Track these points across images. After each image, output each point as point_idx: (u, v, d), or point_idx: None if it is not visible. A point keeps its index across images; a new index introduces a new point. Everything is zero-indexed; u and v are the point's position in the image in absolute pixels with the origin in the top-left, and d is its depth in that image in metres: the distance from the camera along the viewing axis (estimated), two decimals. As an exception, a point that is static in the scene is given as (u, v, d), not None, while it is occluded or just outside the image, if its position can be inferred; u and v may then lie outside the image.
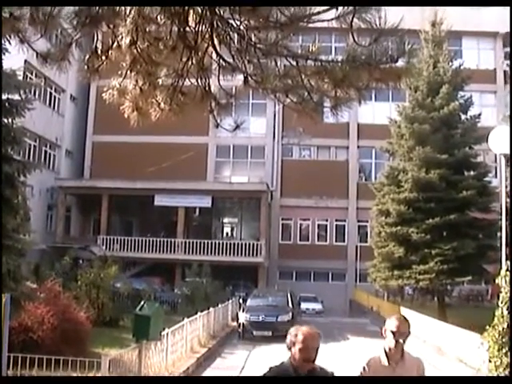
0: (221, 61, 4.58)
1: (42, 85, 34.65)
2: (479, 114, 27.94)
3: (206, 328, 19.01)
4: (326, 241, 41.06)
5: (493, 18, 37.54)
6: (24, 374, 9.86)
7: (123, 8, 4.01)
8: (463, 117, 27.65)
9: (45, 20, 4.08)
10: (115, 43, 4.38)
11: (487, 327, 10.14)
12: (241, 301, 26.75)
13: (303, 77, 4.38)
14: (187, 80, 4.76)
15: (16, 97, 13.52)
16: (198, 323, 17.63)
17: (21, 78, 15.47)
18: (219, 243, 37.23)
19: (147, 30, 4.25)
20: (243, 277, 37.37)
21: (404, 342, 4.34)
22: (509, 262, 10.37)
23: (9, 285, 11.41)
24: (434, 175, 25.04)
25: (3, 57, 11.91)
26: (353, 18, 3.83)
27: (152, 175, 36.33)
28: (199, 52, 4.53)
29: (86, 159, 42.33)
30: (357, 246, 38.85)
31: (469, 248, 23.98)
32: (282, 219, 41.01)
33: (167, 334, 13.04)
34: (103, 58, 4.54)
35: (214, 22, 4.25)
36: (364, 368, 4.42)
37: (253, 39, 4.35)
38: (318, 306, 35.61)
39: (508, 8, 19.55)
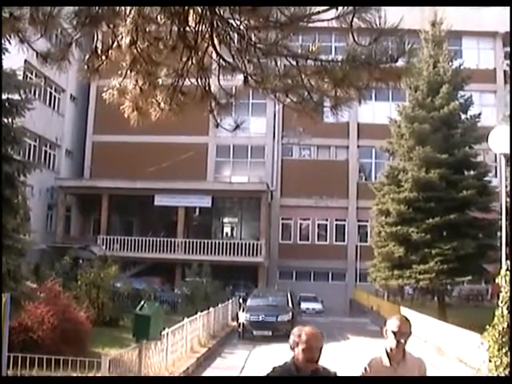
0: (221, 61, 4.58)
1: (42, 85, 34.65)
2: (479, 114, 27.94)
3: (206, 328, 19.01)
4: (326, 240, 41.07)
5: (493, 18, 37.55)
6: (24, 374, 9.86)
7: (123, 8, 4.01)
8: (463, 116, 27.66)
9: (45, 20, 4.08)
10: (115, 43, 4.38)
11: (487, 327, 10.14)
12: (241, 300, 26.75)
13: (303, 76, 4.38)
14: (187, 80, 4.76)
15: (16, 97, 13.52)
16: (198, 323, 17.63)
17: (21, 77, 15.46)
18: (219, 243, 37.24)
19: (147, 29, 4.25)
20: (243, 277, 37.38)
21: (405, 342, 4.32)
22: (509, 262, 10.37)
23: (9, 284, 11.41)
24: (434, 175, 25.04)
25: (3, 57, 11.90)
26: (353, 18, 3.83)
27: (152, 175, 36.34)
28: (199, 52, 4.53)
29: (86, 159, 42.33)
30: (357, 246, 38.86)
31: (469, 248, 23.98)
32: (282, 219, 41.02)
33: (167, 333, 13.04)
34: (103, 57, 4.54)
35: (214, 22, 4.25)
36: (365, 369, 4.39)
37: (253, 39, 4.35)
38: (318, 306, 35.63)
39: (508, 8, 19.55)
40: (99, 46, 4.58)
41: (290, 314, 22.99)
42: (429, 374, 4.64)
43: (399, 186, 26.68)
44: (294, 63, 4.36)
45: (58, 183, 38.14)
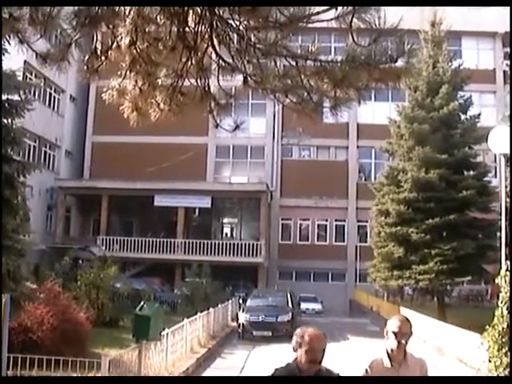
0: (220, 61, 4.59)
1: (42, 85, 34.63)
2: (479, 114, 27.95)
3: (206, 328, 19.00)
4: (325, 241, 41.07)
5: (492, 18, 37.55)
6: (24, 375, 9.86)
7: (123, 8, 4.01)
8: (463, 117, 27.67)
9: (44, 20, 4.09)
10: (115, 43, 4.38)
11: (487, 327, 10.14)
12: (240, 301, 26.73)
13: (303, 77, 4.38)
14: (187, 80, 4.76)
15: (16, 97, 13.54)
16: (198, 323, 17.63)
17: (20, 78, 15.49)
18: (219, 243, 37.24)
19: (147, 30, 4.25)
20: (243, 277, 37.37)
21: (406, 342, 4.29)
22: (508, 262, 10.37)
23: (9, 285, 11.42)
24: (434, 175, 25.05)
25: (3, 57, 11.91)
26: (352, 18, 3.83)
27: (152, 175, 36.33)
28: (199, 52, 4.53)
29: (86, 159, 42.32)
30: (356, 246, 38.86)
31: (468, 248, 23.98)
32: (282, 219, 41.02)
33: (167, 334, 13.03)
34: (103, 58, 4.54)
35: (214, 23, 4.25)
36: (366, 370, 4.35)
37: (252, 39, 4.35)
38: (317, 306, 35.62)
39: (508, 8, 19.55)
40: (99, 46, 4.58)
41: (290, 314, 22.98)
42: (429, 374, 4.63)
43: (399, 187, 26.68)
44: (294, 63, 4.36)
45: (58, 184, 38.12)
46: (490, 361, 9.96)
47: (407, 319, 4.40)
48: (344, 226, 41.04)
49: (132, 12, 3.99)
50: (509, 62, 30.09)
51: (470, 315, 21.91)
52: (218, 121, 5.12)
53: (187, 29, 4.33)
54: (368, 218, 32.84)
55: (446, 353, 17.10)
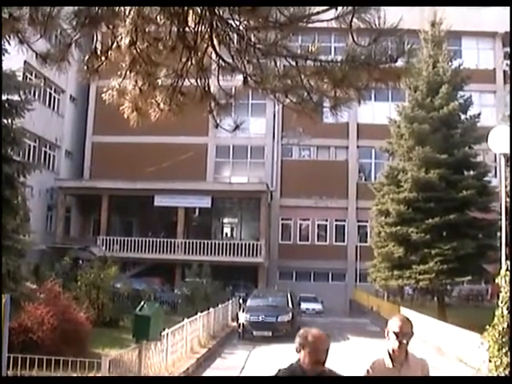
0: (220, 61, 4.59)
1: (42, 85, 34.64)
2: (479, 114, 27.95)
3: (206, 328, 19.01)
4: (325, 241, 41.06)
5: (492, 18, 37.55)
6: (24, 375, 9.86)
7: (123, 8, 4.01)
8: (463, 117, 27.67)
9: (44, 20, 4.08)
10: (115, 44, 4.38)
11: (487, 327, 10.14)
12: (241, 301, 26.72)
13: (303, 77, 4.38)
14: (187, 80, 4.76)
15: (16, 97, 13.52)
16: (198, 323, 17.63)
17: (20, 78, 15.48)
18: (219, 243, 37.24)
19: (147, 30, 4.25)
20: (243, 277, 37.36)
21: (407, 342, 4.26)
22: (508, 262, 10.37)
23: (9, 285, 11.41)
24: (434, 175, 25.05)
25: (3, 57, 11.90)
26: (352, 18, 3.83)
27: (152, 175, 36.33)
28: (199, 52, 4.53)
29: (86, 160, 42.32)
30: (357, 246, 38.85)
31: (468, 248, 23.98)
32: (282, 219, 41.02)
33: (167, 334, 13.04)
34: (103, 58, 4.54)
35: (214, 23, 4.25)
36: (368, 371, 4.33)
37: (252, 39, 4.35)
38: (317, 306, 35.61)
39: (508, 8, 19.55)
40: (99, 46, 4.58)
41: (290, 314, 22.97)
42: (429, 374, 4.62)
43: (399, 187, 26.68)
44: (294, 63, 4.36)
45: (58, 184, 38.13)
46: (490, 361, 9.96)
47: (408, 319, 4.38)
48: (344, 225, 41.04)
49: (132, 12, 3.99)
50: (509, 62, 30.12)
51: (470, 315, 21.91)
52: (218, 121, 5.12)
53: (187, 29, 4.33)
54: (368, 217, 32.85)
55: (446, 353, 17.10)
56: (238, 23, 4.27)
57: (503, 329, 9.69)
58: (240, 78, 4.64)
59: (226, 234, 43.79)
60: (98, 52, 4.56)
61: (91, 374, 9.74)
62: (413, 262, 24.90)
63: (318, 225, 41.23)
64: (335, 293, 38.24)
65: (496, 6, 30.68)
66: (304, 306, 32.47)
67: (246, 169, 41.67)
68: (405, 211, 25.51)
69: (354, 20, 3.82)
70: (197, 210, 41.50)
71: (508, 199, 17.93)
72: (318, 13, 4.03)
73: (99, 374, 9.21)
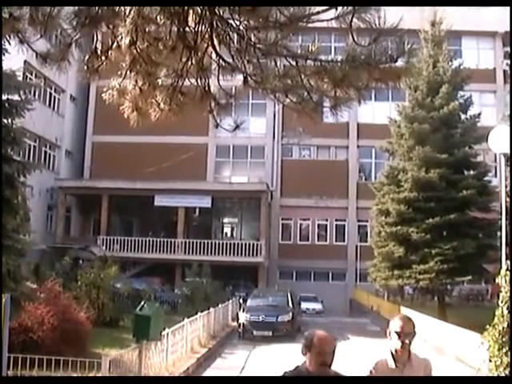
0: (220, 61, 4.58)
1: (42, 85, 34.65)
2: (479, 114, 27.96)
3: (206, 328, 19.01)
4: (326, 241, 41.07)
5: (492, 18, 37.54)
6: (24, 375, 9.86)
7: (123, 8, 4.01)
8: (463, 116, 27.67)
9: (44, 20, 4.08)
10: (115, 43, 4.38)
11: (487, 327, 10.13)
12: (241, 301, 26.73)
13: (303, 77, 4.38)
14: (187, 80, 4.76)
15: (16, 97, 13.52)
16: (198, 323, 17.63)
17: (20, 78, 15.48)
18: (219, 243, 37.24)
19: (147, 30, 4.24)
20: (243, 277, 37.37)
21: (410, 342, 4.23)
22: (509, 262, 10.37)
23: (9, 285, 11.41)
24: (434, 175, 25.05)
25: (3, 57, 11.90)
26: (352, 18, 3.82)
27: (152, 175, 36.33)
28: (199, 52, 4.53)
29: (86, 159, 42.33)
30: (357, 246, 38.85)
31: (469, 247, 23.99)
32: (282, 219, 41.02)
33: (167, 334, 13.04)
34: (103, 58, 4.54)
35: (214, 22, 4.25)
36: (371, 372, 4.31)
37: (252, 39, 4.35)
38: (318, 306, 35.61)
39: (508, 8, 19.54)
40: (99, 46, 4.58)
41: (290, 314, 22.98)
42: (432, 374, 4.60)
43: (399, 186, 26.68)
44: (294, 63, 4.35)
45: (58, 184, 38.14)
46: (490, 360, 9.95)
47: (410, 319, 4.35)
48: (344, 225, 41.05)
49: (132, 12, 3.99)
50: (509, 62, 30.13)
51: (470, 315, 21.91)
52: (218, 121, 5.12)
53: (187, 29, 4.32)
54: (368, 217, 32.86)
55: (446, 352, 17.10)
56: (238, 23, 4.27)
57: (503, 328, 9.69)
58: (240, 77, 4.64)
59: (226, 234, 43.79)
60: (98, 52, 4.55)
61: (91, 374, 9.74)
62: (413, 262, 24.90)
63: (319, 224, 41.23)
64: (335, 292, 38.25)
65: (496, 5, 30.67)
66: (304, 305, 32.47)
67: (246, 168, 41.68)
68: (405, 211, 25.52)
69: (354, 20, 3.82)
70: (197, 210, 41.50)
71: (508, 199, 17.92)
72: (318, 13, 4.03)
73: (99, 374, 9.22)
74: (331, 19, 3.93)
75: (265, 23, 4.14)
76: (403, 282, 26.62)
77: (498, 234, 20.81)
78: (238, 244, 37.16)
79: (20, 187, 13.22)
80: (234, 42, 4.40)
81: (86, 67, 4.63)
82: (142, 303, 11.78)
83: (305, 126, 35.45)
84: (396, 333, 4.20)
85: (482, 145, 23.54)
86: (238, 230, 43.32)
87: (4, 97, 12.83)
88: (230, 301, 26.77)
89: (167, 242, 36.83)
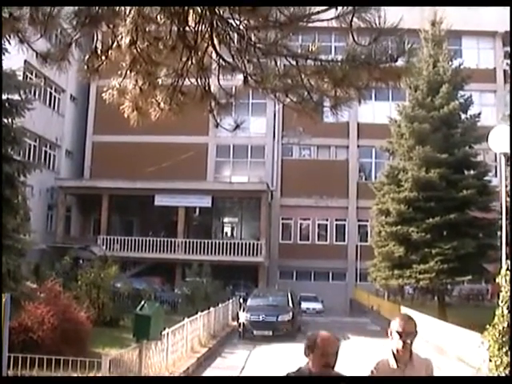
0: (220, 60, 4.58)
1: (42, 85, 34.64)
2: (479, 114, 27.94)
3: (207, 328, 19.01)
4: (326, 240, 41.07)
5: (492, 18, 37.53)
6: (24, 374, 9.86)
7: (123, 8, 4.01)
8: (463, 116, 27.66)
9: (44, 20, 4.08)
10: (115, 43, 4.38)
11: (487, 326, 10.13)
12: (241, 300, 26.75)
13: (303, 76, 4.38)
14: (187, 80, 4.76)
15: (16, 97, 13.51)
16: (199, 323, 17.63)
17: (21, 78, 15.47)
18: (219, 243, 37.25)
19: (147, 29, 4.24)
20: (243, 276, 37.38)
21: (411, 342, 4.21)
22: (509, 261, 10.36)
23: (9, 285, 11.41)
24: (434, 174, 25.04)
25: (3, 57, 11.90)
26: (352, 18, 3.82)
27: (152, 175, 36.34)
28: (199, 52, 4.53)
29: (86, 159, 42.34)
30: (357, 246, 38.86)
31: (469, 247, 23.98)
32: (282, 219, 41.02)
33: (167, 333, 13.04)
34: (103, 57, 4.54)
35: (214, 22, 4.25)
36: (372, 371, 4.30)
37: (252, 39, 4.34)
38: (318, 306, 35.61)
39: (508, 8, 19.53)
40: (99, 46, 4.58)
41: (291, 313, 22.98)
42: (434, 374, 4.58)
43: (399, 186, 26.68)
44: (294, 63, 4.35)
45: (58, 183, 38.15)
46: (490, 360, 9.95)
47: (411, 318, 4.32)
48: (344, 225, 41.05)
49: (132, 11, 3.99)
50: (509, 62, 30.11)
51: (470, 314, 21.91)
52: (219, 120, 5.11)
53: (187, 28, 4.32)
54: (368, 217, 32.85)
55: (447, 352, 17.09)
56: (238, 23, 4.27)
57: (503, 328, 9.68)
58: (240, 77, 4.64)
59: (227, 234, 43.79)
60: (99, 51, 4.55)
61: (91, 374, 9.74)
62: (413, 262, 24.90)
63: (319, 224, 41.23)
64: (335, 292, 38.25)
65: (496, 5, 30.65)
66: (304, 305, 32.47)
67: (246, 168, 41.68)
68: (405, 210, 25.51)
69: (355, 19, 3.82)
70: (197, 210, 41.50)
71: (508, 199, 17.92)
72: (318, 12, 4.03)
73: (99, 374, 9.21)
74: (331, 19, 3.93)
75: (265, 23, 4.14)
76: (403, 282, 26.62)
77: (498, 233, 20.80)
78: (238, 244, 37.17)
79: (20, 187, 13.22)
80: (234, 42, 4.39)
81: (86, 67, 4.63)
82: (142, 303, 11.78)
83: (305, 126, 35.44)
84: (397, 333, 4.18)
85: (482, 144, 23.52)
86: (238, 230, 43.33)
87: (4, 96, 12.82)
88: (230, 300, 26.76)
89: (167, 241, 36.83)
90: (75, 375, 9.77)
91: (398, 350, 4.21)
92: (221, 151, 41.52)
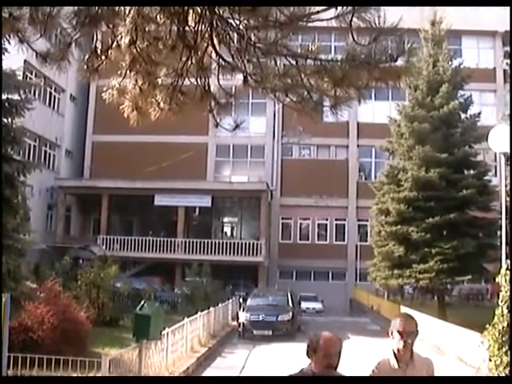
0: (220, 60, 4.58)
1: (42, 85, 34.63)
2: (479, 113, 27.96)
3: (206, 327, 19.01)
4: (326, 240, 41.08)
5: (492, 18, 37.54)
6: (24, 374, 9.86)
7: (123, 8, 4.01)
8: (463, 116, 27.67)
9: (44, 20, 4.08)
10: (115, 43, 4.38)
11: (487, 326, 10.14)
12: (241, 300, 26.75)
13: (303, 76, 4.37)
14: (187, 79, 4.75)
15: (16, 97, 13.51)
16: (198, 323, 17.64)
17: (20, 77, 15.46)
18: (219, 243, 37.25)
19: (147, 29, 4.24)
20: (243, 276, 37.39)
21: (413, 342, 4.19)
22: (509, 261, 10.38)
23: (9, 284, 11.40)
24: (434, 174, 25.05)
25: (3, 57, 11.90)
26: (352, 18, 3.82)
27: (152, 175, 36.33)
28: (199, 51, 4.53)
29: (86, 159, 42.34)
30: (357, 245, 38.87)
31: (469, 247, 23.99)
32: (282, 218, 41.03)
33: (167, 333, 13.04)
34: (103, 57, 4.53)
35: (214, 22, 4.24)
36: (373, 371, 4.27)
37: (252, 39, 4.34)
38: (318, 306, 35.61)
39: (508, 8, 19.54)
40: (99, 45, 4.57)
41: (290, 313, 22.99)
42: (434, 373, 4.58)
43: (399, 186, 26.68)
44: (294, 63, 4.35)
45: (58, 183, 38.15)
46: (490, 360, 9.96)
47: (412, 318, 4.31)
48: (344, 225, 41.06)
49: (132, 11, 3.99)
50: (509, 61, 30.10)
51: (470, 314, 21.92)
52: (218, 120, 5.11)
53: (187, 28, 4.32)
54: (368, 217, 32.86)
55: (446, 352, 17.10)
56: (238, 22, 4.26)
57: (503, 328, 9.69)
58: (240, 77, 4.64)
59: (226, 234, 43.80)
60: (98, 51, 4.55)
61: (91, 374, 9.74)
62: (413, 261, 24.90)
63: (318, 224, 41.24)
64: (335, 292, 38.27)
65: (496, 5, 30.64)
66: (304, 305, 32.47)
67: (246, 168, 41.68)
68: (405, 210, 25.52)
69: (354, 19, 3.82)
70: (197, 210, 41.49)
71: (508, 198, 17.92)
72: (318, 12, 4.03)
73: (99, 374, 9.22)
74: (331, 19, 3.93)
75: (265, 23, 4.14)
76: (403, 282, 26.62)
77: (498, 233, 20.81)
78: (238, 243, 37.17)
79: (20, 187, 13.22)
80: (233, 42, 4.39)
81: (85, 67, 4.63)
82: (142, 303, 11.78)
83: (305, 126, 35.43)
84: (398, 332, 4.17)
85: (482, 144, 23.53)
86: (238, 230, 43.34)
87: (4, 96, 12.82)
88: (230, 300, 26.77)
89: (167, 241, 36.84)
90: (75, 375, 9.78)
91: (398, 350, 4.20)
92: (220, 151, 41.52)
